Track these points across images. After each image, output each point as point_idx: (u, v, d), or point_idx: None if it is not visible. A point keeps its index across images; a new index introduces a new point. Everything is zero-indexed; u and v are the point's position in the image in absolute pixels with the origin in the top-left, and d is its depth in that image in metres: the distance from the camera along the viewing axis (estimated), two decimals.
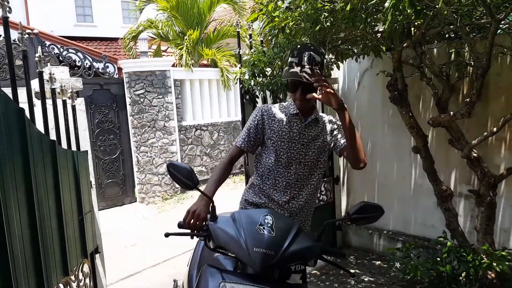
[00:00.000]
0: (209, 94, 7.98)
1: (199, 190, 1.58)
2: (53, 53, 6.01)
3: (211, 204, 1.53)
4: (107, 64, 6.59)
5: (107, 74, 6.62)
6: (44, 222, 1.80)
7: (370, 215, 1.56)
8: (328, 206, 4.13)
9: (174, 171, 1.54)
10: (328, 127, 1.90)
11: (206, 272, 1.40)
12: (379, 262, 3.87)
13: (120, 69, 7.03)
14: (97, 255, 2.58)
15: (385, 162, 3.97)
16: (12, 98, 1.64)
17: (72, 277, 2.14)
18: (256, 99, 3.39)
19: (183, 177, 1.53)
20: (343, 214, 4.45)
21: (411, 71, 3.22)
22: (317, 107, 1.89)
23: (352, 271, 3.70)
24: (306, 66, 1.68)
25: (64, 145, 2.21)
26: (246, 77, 3.18)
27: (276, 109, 1.90)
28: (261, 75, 3.10)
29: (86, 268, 2.36)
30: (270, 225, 1.38)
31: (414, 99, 3.48)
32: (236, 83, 3.35)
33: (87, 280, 2.36)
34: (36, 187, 1.73)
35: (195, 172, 1.64)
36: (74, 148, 2.36)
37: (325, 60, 1.74)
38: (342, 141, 1.86)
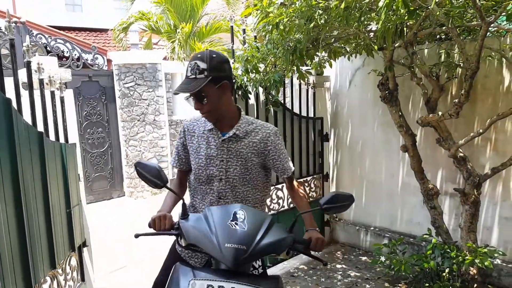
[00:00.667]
0: None
1: (169, 188, 1.55)
2: (40, 43, 5.89)
3: (182, 203, 1.52)
4: (96, 55, 6.49)
5: (96, 65, 6.53)
6: (31, 214, 1.78)
7: (341, 204, 1.58)
8: (317, 203, 4.16)
9: (142, 170, 1.52)
10: (259, 146, 1.72)
11: (178, 270, 1.40)
12: (365, 257, 3.93)
13: (109, 61, 6.93)
14: (85, 249, 2.56)
15: (374, 160, 4.01)
16: None
17: (60, 270, 2.12)
18: (249, 95, 3.39)
19: (152, 177, 1.51)
20: None
21: (402, 71, 3.25)
22: (250, 120, 1.76)
23: (338, 266, 3.76)
24: (190, 76, 1.59)
25: (52, 137, 2.18)
26: (239, 72, 3.17)
27: (196, 124, 1.79)
28: (254, 71, 3.10)
29: (73, 261, 2.34)
30: (242, 220, 1.37)
31: (404, 99, 3.52)
32: None
33: (75, 274, 2.34)
34: (23, 179, 1.70)
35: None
36: (62, 140, 2.33)
37: (222, 65, 1.61)
38: (280, 169, 1.78)
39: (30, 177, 1.79)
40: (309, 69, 3.60)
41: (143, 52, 7.60)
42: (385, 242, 3.64)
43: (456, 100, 2.60)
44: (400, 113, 3.04)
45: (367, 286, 3.34)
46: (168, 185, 1.54)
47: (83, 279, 2.47)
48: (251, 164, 1.72)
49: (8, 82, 1.72)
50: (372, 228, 4.07)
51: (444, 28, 2.53)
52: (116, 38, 8.95)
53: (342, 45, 3.25)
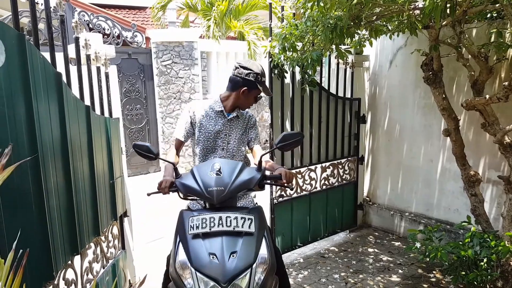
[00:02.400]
0: None
1: (161, 159, 2.04)
2: (83, 20, 6.07)
3: (174, 168, 1.99)
4: (135, 33, 6.62)
5: (135, 43, 6.66)
6: (78, 184, 1.88)
7: (292, 140, 1.95)
8: (350, 186, 4.13)
9: (137, 149, 1.96)
10: (248, 123, 2.40)
11: (182, 214, 1.89)
12: (399, 243, 3.88)
13: (148, 39, 7.05)
14: (125, 219, 2.69)
15: (412, 144, 3.90)
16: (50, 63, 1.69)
17: (103, 238, 2.25)
18: (285, 74, 3.36)
19: (145, 152, 1.95)
20: (365, 194, 4.44)
21: (447, 51, 3.10)
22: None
23: (370, 250, 3.73)
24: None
25: (97, 111, 2.27)
26: (276, 51, 3.14)
27: (203, 106, 2.34)
28: (291, 50, 3.05)
29: (115, 230, 2.47)
30: (218, 169, 1.85)
31: (448, 81, 3.37)
32: (265, 56, 3.31)
33: (116, 241, 2.47)
34: (72, 150, 1.80)
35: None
36: (106, 114, 2.42)
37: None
38: (251, 139, 2.41)
39: (77, 148, 1.88)
40: (348, 48, 3.50)
41: (180, 30, 7.65)
42: (421, 229, 3.57)
43: (506, 83, 2.46)
44: (444, 96, 2.91)
45: (400, 271, 3.31)
46: (161, 156, 1.97)
47: (123, 247, 2.60)
48: (245, 137, 2.39)
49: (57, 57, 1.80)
50: (407, 214, 3.99)
51: (497, 5, 2.37)
52: (154, 16, 9.06)
53: (384, 23, 3.12)
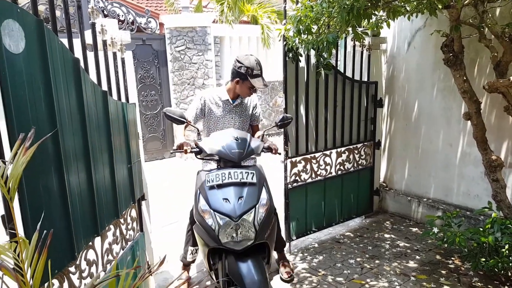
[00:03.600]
0: (248, 53, 7.88)
1: (189, 122, 2.54)
2: (98, 7, 6.08)
3: (198, 133, 2.53)
4: (149, 19, 6.60)
5: (149, 29, 6.66)
6: (98, 167, 1.91)
7: (287, 121, 2.67)
8: (366, 171, 4.09)
9: (169, 113, 2.39)
10: (251, 106, 2.96)
11: (199, 173, 2.43)
12: (416, 229, 3.85)
13: (161, 25, 7.04)
14: (143, 202, 2.73)
15: (431, 128, 3.83)
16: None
17: (122, 220, 2.29)
18: (300, 57, 3.31)
19: (177, 116, 2.40)
20: (381, 179, 4.40)
21: (468, 32, 3.00)
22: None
23: (386, 235, 3.71)
24: (261, 74, 2.72)
25: (114, 96, 2.28)
26: (291, 34, 3.09)
27: (212, 94, 2.86)
28: (306, 32, 3.00)
29: (133, 213, 2.51)
30: (235, 137, 2.39)
31: (469, 62, 3.27)
32: (279, 39, 3.26)
33: (134, 224, 2.51)
34: (90, 134, 1.82)
35: None
36: (123, 99, 2.43)
37: None
38: (254, 118, 3.00)
39: (96, 132, 1.90)
40: (365, 30, 3.42)
41: (193, 15, 7.60)
42: (439, 214, 3.53)
43: None
44: (465, 78, 2.83)
45: (417, 257, 3.29)
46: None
47: (141, 230, 2.65)
48: (247, 118, 2.95)
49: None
50: (425, 199, 3.95)
51: None
52: (167, 1, 9.01)
53: (403, 3, 3.03)
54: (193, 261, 3.05)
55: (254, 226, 2.15)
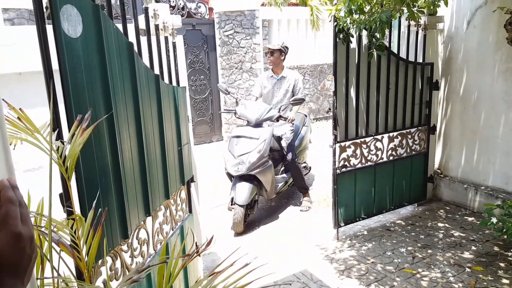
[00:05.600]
0: (296, 36, 7.74)
1: (225, 93, 4.06)
2: None
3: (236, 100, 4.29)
4: (199, 4, 6.67)
5: (199, 14, 6.73)
6: (150, 149, 1.99)
7: (300, 100, 3.90)
8: (420, 157, 3.90)
9: (221, 88, 4.07)
10: (291, 82, 4.11)
11: (230, 138, 3.92)
12: (473, 218, 3.64)
13: (211, 10, 7.09)
14: (192, 184, 2.81)
15: (491, 112, 3.56)
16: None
17: (172, 201, 2.37)
18: (351, 38, 3.19)
19: (225, 90, 4.02)
20: (436, 166, 4.18)
21: None
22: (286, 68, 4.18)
23: (440, 224, 3.54)
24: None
25: (165, 80, 2.35)
26: (342, 14, 2.98)
27: (266, 75, 4.23)
28: (358, 12, 2.88)
29: (183, 194, 2.60)
30: (259, 107, 3.88)
31: None
32: (330, 20, 3.16)
33: (184, 205, 2.60)
34: (144, 116, 1.89)
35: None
36: (174, 83, 2.50)
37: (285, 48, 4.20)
38: (295, 92, 4.14)
39: (149, 115, 1.97)
40: (420, 9, 3.21)
41: None
42: (498, 203, 3.30)
43: None
44: None
45: (473, 248, 3.11)
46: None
47: (190, 211, 2.74)
48: (288, 91, 4.11)
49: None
50: (483, 188, 3.70)
51: None
52: None
53: None
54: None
55: (245, 162, 3.58)
